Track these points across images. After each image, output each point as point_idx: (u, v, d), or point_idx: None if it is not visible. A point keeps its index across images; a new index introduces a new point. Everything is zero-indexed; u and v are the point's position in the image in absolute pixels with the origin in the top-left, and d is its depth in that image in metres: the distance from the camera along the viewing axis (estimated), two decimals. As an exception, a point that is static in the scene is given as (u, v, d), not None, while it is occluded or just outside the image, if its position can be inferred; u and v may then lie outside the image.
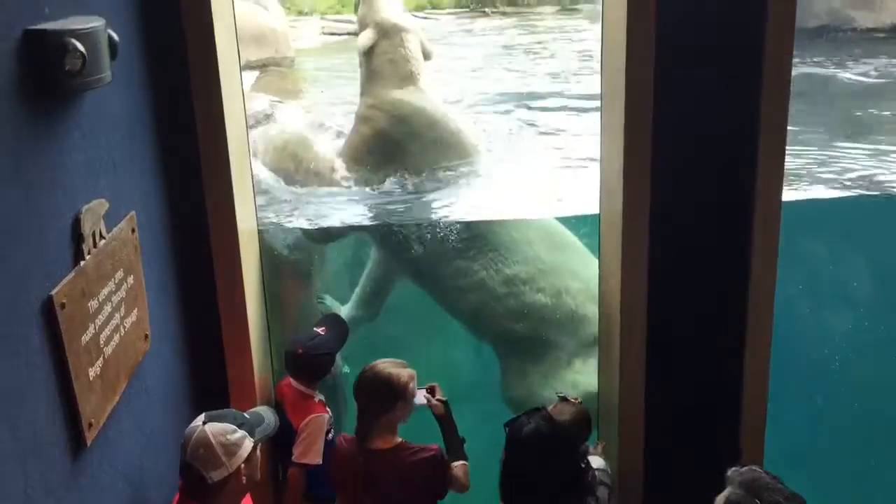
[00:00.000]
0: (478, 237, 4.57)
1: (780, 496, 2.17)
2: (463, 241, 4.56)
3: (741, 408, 3.36)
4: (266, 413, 2.86)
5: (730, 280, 3.27)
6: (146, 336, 2.73)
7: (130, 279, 2.58)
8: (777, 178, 3.11)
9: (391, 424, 3.20)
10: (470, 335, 4.90)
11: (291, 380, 3.52)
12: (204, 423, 2.60)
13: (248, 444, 2.63)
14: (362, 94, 4.76)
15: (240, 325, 3.31)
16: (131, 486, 2.58)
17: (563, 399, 3.29)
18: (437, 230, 4.58)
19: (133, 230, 2.63)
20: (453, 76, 7.19)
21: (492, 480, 2.94)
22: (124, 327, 2.51)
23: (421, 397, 3.31)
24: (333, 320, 3.76)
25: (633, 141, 3.08)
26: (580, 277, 4.57)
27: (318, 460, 3.37)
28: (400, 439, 3.22)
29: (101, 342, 2.32)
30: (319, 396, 3.55)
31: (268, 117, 4.68)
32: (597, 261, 3.69)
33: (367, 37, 4.58)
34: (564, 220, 4.86)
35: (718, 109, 3.09)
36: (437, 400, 3.32)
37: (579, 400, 3.31)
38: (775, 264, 3.20)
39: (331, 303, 4.77)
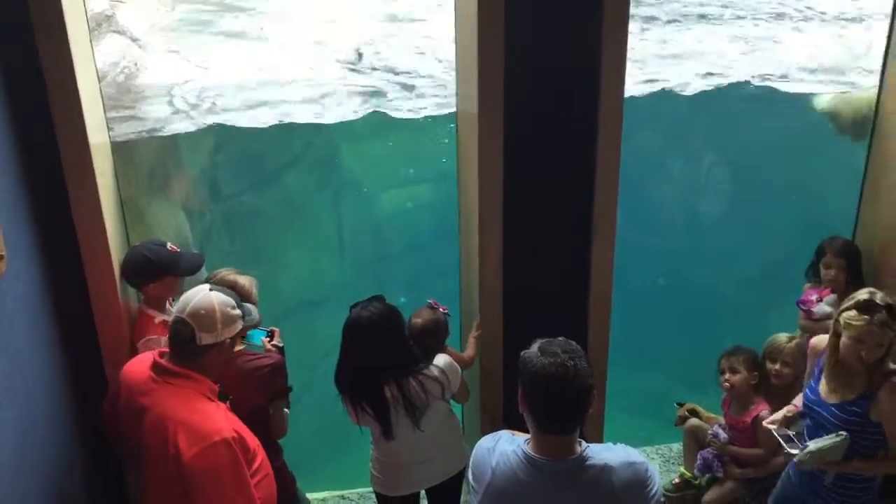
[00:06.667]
0: None
1: (558, 348, 2.33)
2: None
3: (589, 291, 3.67)
4: (250, 308, 2.99)
5: (577, 166, 3.47)
6: (1, 256, 2.64)
7: (-20, 199, 2.48)
8: (618, 76, 3.31)
9: None
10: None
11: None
12: (210, 289, 2.73)
13: (239, 325, 2.78)
14: None
15: (98, 239, 3.23)
16: (-1, 407, 2.56)
17: (430, 306, 3.47)
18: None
19: (-22, 147, 2.51)
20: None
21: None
22: (-22, 248, 2.43)
23: (259, 339, 3.33)
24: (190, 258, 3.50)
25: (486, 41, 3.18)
26: None
27: None
28: (241, 346, 3.20)
29: (-44, 265, 2.25)
30: (163, 317, 3.40)
31: (108, 19, 4.39)
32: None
33: None
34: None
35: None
36: (273, 345, 3.36)
37: (446, 310, 3.48)
38: (618, 155, 3.43)
39: None
